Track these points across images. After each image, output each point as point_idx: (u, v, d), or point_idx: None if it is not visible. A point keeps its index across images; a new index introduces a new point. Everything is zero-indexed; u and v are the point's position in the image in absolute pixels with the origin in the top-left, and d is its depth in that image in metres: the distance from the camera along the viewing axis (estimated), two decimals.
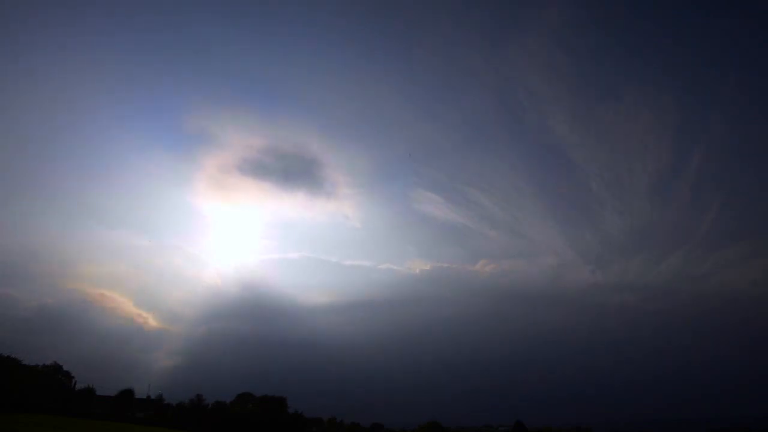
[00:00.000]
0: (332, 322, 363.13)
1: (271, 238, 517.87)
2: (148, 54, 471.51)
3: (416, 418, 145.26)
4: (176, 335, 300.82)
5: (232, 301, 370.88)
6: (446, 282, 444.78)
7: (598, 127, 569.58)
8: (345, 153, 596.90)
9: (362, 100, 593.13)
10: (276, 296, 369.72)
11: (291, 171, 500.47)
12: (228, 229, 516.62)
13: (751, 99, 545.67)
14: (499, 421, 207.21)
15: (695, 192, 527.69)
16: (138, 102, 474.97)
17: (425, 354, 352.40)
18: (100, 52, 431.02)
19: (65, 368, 78.15)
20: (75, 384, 78.45)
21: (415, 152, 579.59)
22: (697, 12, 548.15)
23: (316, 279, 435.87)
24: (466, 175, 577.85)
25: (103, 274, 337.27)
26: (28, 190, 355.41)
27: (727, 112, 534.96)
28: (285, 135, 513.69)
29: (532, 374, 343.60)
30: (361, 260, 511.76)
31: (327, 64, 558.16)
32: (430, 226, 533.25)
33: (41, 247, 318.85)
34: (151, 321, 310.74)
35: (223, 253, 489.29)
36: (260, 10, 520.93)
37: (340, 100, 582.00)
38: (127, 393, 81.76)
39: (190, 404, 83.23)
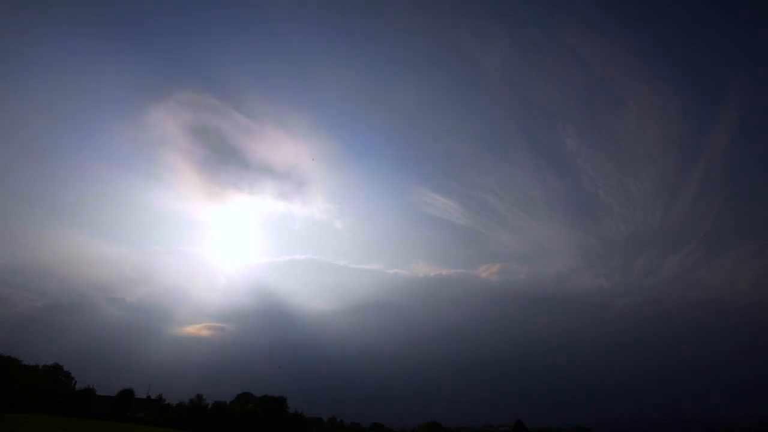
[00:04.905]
0: (336, 325, 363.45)
1: (276, 241, 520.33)
2: (142, 65, 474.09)
3: (416, 418, 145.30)
4: (177, 336, 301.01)
5: (236, 302, 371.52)
6: (454, 285, 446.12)
7: (607, 139, 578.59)
8: (357, 157, 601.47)
9: (377, 112, 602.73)
10: (280, 298, 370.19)
11: (296, 177, 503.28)
12: (232, 234, 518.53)
13: (753, 109, 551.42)
14: (499, 421, 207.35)
15: (698, 197, 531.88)
16: (129, 112, 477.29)
17: (427, 355, 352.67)
18: (95, 55, 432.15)
19: (65, 368, 78.12)
20: (75, 384, 78.36)
21: (432, 160, 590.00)
22: (701, 25, 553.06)
23: (322, 282, 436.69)
24: (480, 181, 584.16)
25: (104, 277, 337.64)
26: (32, 194, 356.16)
27: (730, 121, 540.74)
28: (286, 142, 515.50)
29: (533, 375, 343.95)
30: (369, 264, 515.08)
31: (353, 76, 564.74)
32: (440, 231, 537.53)
33: (43, 249, 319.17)
34: (153, 322, 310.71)
35: (228, 257, 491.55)
36: (255, 21, 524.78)
37: (357, 110, 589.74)
38: (127, 393, 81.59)
39: (190, 404, 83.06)
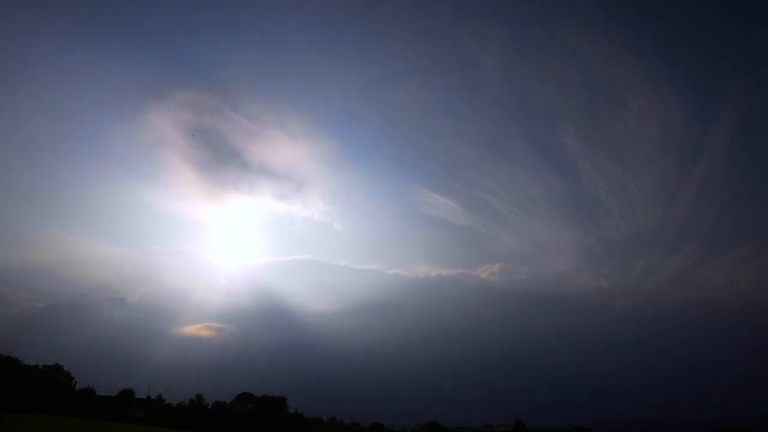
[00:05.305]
0: (336, 325, 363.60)
1: (277, 241, 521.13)
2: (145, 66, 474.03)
3: (416, 418, 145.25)
4: (178, 336, 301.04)
5: (236, 302, 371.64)
6: (454, 285, 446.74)
7: (607, 139, 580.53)
8: (358, 158, 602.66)
9: (377, 112, 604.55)
10: (280, 298, 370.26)
11: (296, 178, 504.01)
12: (232, 235, 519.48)
13: (753, 109, 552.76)
14: (499, 421, 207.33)
15: (698, 197, 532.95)
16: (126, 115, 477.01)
17: (427, 355, 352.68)
18: (96, 55, 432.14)
19: (65, 368, 78.10)
20: (75, 384, 78.35)
21: (432, 160, 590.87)
22: (701, 25, 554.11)
23: (322, 282, 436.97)
24: (481, 181, 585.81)
25: (104, 278, 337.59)
26: (32, 194, 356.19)
27: (730, 122, 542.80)
28: (286, 143, 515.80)
29: (533, 375, 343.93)
30: (370, 264, 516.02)
31: (353, 76, 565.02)
32: (440, 231, 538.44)
33: (43, 249, 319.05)
34: (153, 322, 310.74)
35: (228, 257, 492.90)
36: (255, 21, 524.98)
37: (357, 110, 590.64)
38: (127, 393, 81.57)
39: (190, 404, 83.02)
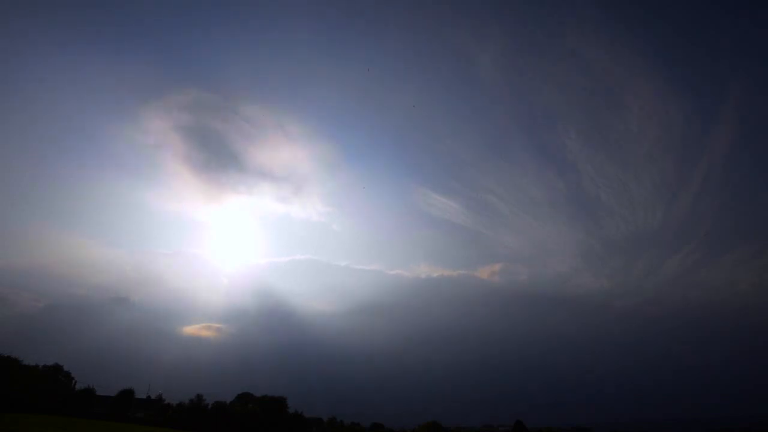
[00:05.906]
0: (336, 325, 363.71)
1: (277, 242, 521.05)
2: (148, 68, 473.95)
3: (416, 418, 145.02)
4: (178, 336, 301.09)
5: (236, 303, 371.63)
6: (455, 285, 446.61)
7: (607, 139, 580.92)
8: (358, 158, 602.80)
9: (377, 112, 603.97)
10: (281, 298, 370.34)
11: (295, 180, 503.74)
12: (233, 236, 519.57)
13: (753, 109, 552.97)
14: (499, 421, 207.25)
15: (698, 197, 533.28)
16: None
17: (427, 355, 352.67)
18: (100, 55, 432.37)
19: (65, 368, 78.11)
20: (75, 384, 78.37)
21: (433, 161, 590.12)
22: (701, 25, 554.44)
23: (323, 282, 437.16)
24: (481, 182, 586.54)
25: (105, 278, 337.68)
26: (32, 194, 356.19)
27: (730, 121, 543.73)
28: (285, 144, 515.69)
29: (533, 375, 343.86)
30: (370, 265, 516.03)
31: (353, 76, 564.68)
32: (441, 231, 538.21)
33: (44, 250, 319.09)
34: (154, 323, 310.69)
35: (228, 258, 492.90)
36: (254, 23, 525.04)
37: (357, 111, 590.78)
38: (127, 393, 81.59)
39: (190, 404, 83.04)
